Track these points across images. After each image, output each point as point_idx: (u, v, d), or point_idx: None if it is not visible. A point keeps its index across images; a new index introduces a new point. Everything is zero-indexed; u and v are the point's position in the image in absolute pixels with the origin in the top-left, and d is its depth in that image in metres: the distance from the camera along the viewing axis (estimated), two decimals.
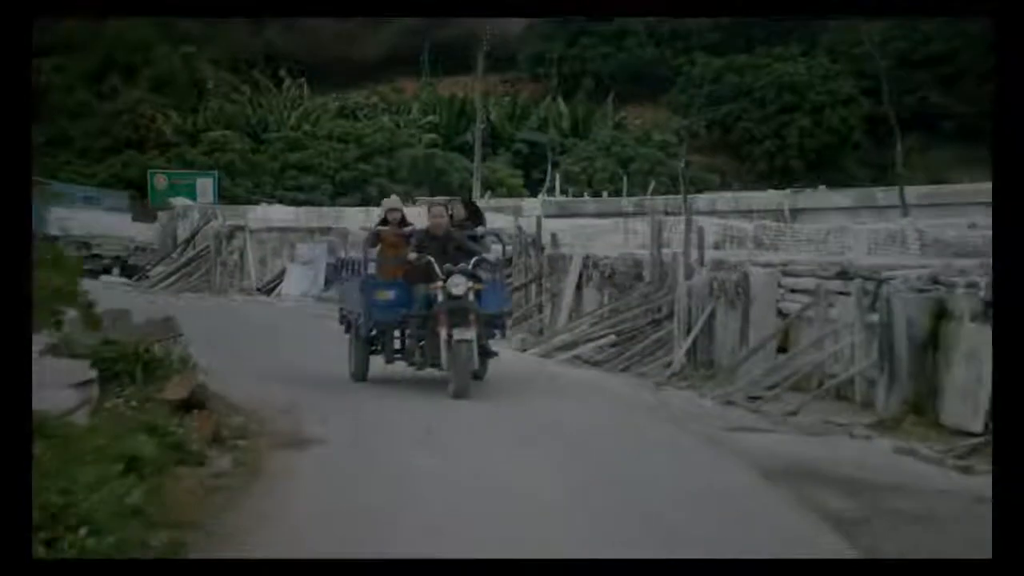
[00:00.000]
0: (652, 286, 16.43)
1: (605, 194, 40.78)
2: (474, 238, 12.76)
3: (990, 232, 12.12)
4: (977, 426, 9.98)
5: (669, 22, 53.43)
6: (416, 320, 12.10)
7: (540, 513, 6.88)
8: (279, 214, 33.52)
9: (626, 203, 36.14)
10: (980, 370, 10.26)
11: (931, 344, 10.86)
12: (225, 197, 41.00)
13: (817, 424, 10.91)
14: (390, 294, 12.49)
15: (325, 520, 6.60)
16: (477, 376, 12.22)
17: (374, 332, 12.67)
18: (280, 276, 27.93)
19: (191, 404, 8.47)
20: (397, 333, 12.65)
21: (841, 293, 12.51)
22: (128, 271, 31.81)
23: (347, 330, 13.30)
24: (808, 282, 13.30)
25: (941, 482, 8.39)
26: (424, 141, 48.03)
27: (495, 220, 30.49)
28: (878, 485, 7.99)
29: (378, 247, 13.13)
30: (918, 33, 49.50)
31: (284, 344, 16.97)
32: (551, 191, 41.31)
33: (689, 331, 14.60)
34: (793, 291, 13.44)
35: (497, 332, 12.73)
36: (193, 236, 31.26)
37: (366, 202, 40.49)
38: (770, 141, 48.12)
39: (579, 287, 18.34)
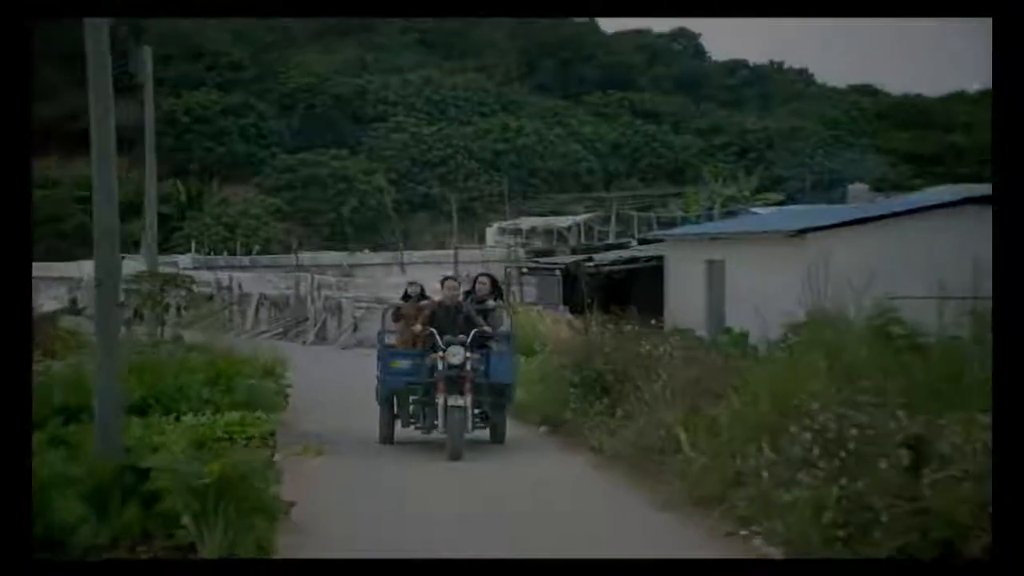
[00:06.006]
0: (296, 308, 37.56)
1: (225, 252, 60.33)
2: (485, 312, 13.25)
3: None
4: None
5: (257, 125, 73.76)
6: (420, 387, 12.75)
7: None
8: None
9: (246, 261, 56.13)
10: None
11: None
12: None
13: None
14: (404, 363, 13.06)
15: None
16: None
17: (392, 398, 13.29)
18: None
19: None
20: (412, 399, 13.10)
21: (374, 307, 34.48)
22: None
23: (376, 397, 13.69)
24: (362, 304, 35.31)
25: None
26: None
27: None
28: None
29: (400, 320, 14.01)
30: (424, 143, 73.48)
31: None
32: (187, 250, 60.31)
33: (315, 325, 36.03)
34: (359, 308, 35.26)
35: (505, 400, 13.23)
36: None
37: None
38: (330, 215, 69.69)
39: (257, 309, 38.95)
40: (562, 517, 9.59)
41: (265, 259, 56.32)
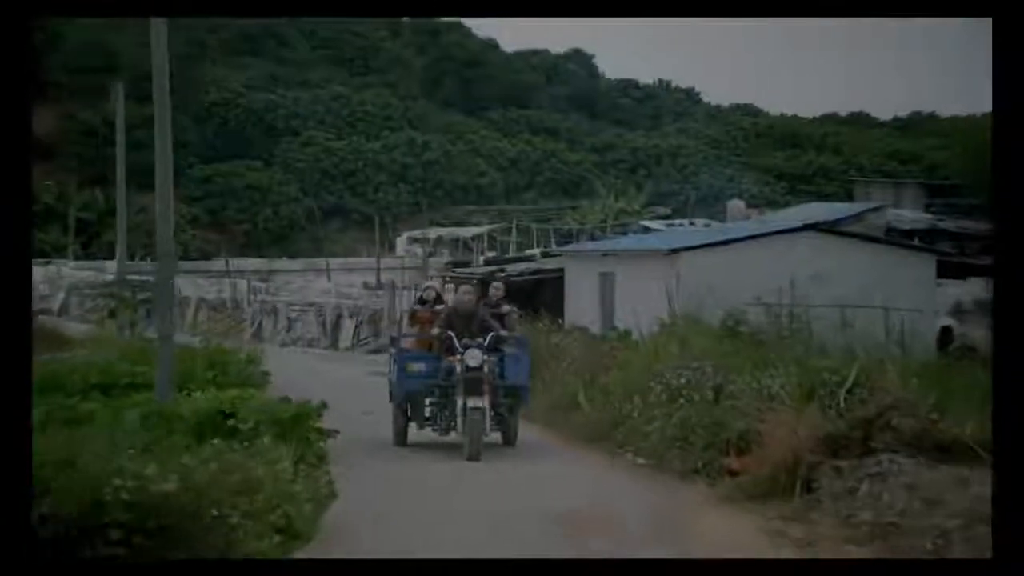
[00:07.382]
0: (236, 311, 41.63)
1: (149, 259, 63.52)
2: (499, 316, 13.84)
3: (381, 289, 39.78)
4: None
5: (174, 136, 76.73)
6: (438, 389, 13.16)
7: None
8: None
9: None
10: None
11: (335, 326, 37.64)
12: None
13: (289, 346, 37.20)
14: (420, 366, 13.41)
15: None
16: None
17: (406, 400, 13.64)
18: None
19: None
20: (428, 401, 13.46)
21: (306, 310, 38.91)
22: None
23: (390, 399, 14.05)
24: (296, 307, 39.69)
25: None
26: None
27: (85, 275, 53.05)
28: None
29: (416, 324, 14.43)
30: (335, 156, 77.51)
31: None
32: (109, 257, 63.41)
33: (252, 326, 40.22)
34: (293, 310, 39.57)
35: (519, 402, 13.79)
36: None
37: None
38: (247, 224, 73.27)
39: (196, 311, 42.87)
40: (502, 454, 14.16)
41: (187, 264, 59.72)
